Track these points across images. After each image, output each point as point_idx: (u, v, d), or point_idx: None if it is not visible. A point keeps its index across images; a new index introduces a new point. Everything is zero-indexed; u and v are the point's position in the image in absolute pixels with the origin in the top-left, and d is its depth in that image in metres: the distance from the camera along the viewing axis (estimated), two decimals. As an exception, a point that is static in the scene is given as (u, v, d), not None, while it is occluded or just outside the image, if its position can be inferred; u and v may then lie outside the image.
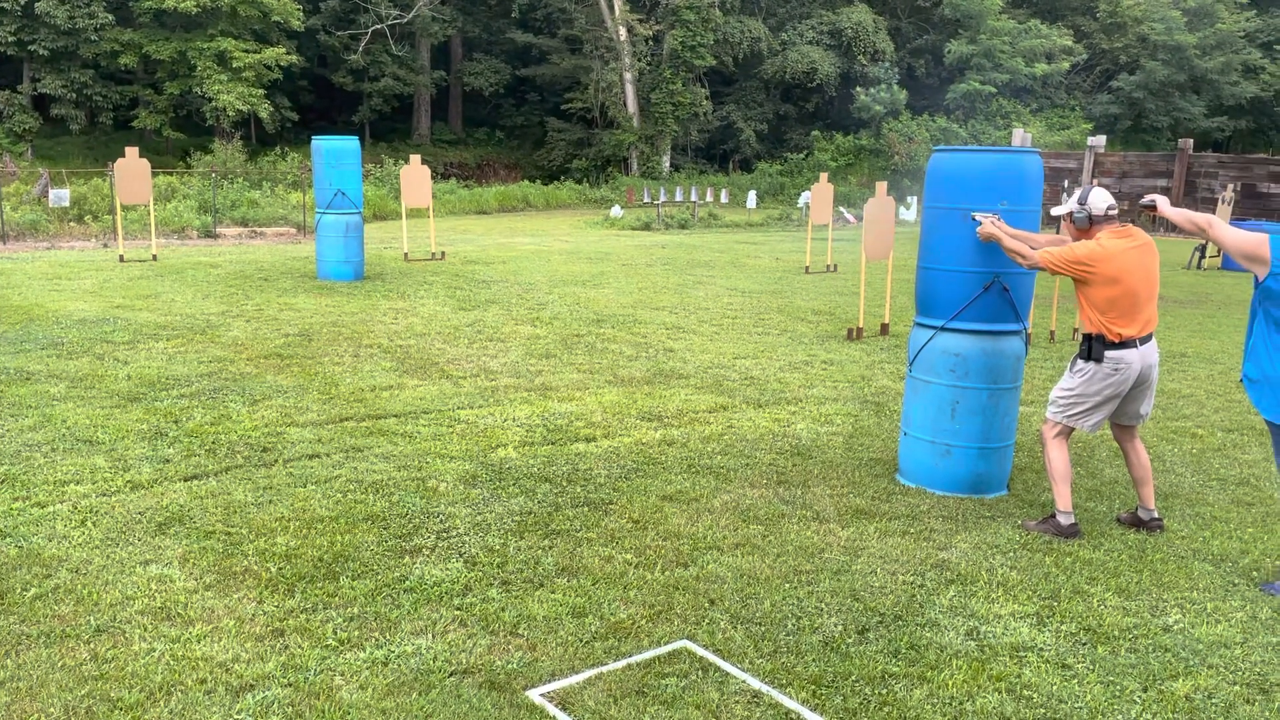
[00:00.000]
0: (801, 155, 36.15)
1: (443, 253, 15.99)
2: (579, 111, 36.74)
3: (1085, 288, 4.84)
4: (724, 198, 27.73)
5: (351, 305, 11.16)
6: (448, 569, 4.27)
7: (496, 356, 8.74)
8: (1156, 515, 5.09)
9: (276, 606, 3.90)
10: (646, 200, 25.97)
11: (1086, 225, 4.92)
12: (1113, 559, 4.68)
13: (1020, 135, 30.12)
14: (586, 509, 5.06)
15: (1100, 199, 4.90)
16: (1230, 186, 20.30)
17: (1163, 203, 4.88)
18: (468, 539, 4.61)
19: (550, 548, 4.55)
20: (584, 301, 12.03)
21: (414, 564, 4.32)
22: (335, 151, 13.05)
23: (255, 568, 4.25)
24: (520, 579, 4.21)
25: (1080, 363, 4.93)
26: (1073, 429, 4.99)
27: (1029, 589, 4.31)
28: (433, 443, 6.08)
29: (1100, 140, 28.82)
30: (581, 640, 3.71)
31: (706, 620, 3.90)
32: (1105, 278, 4.77)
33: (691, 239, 21.48)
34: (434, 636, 3.70)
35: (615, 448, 6.13)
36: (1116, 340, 4.80)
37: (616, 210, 25.14)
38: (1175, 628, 3.99)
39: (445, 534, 4.66)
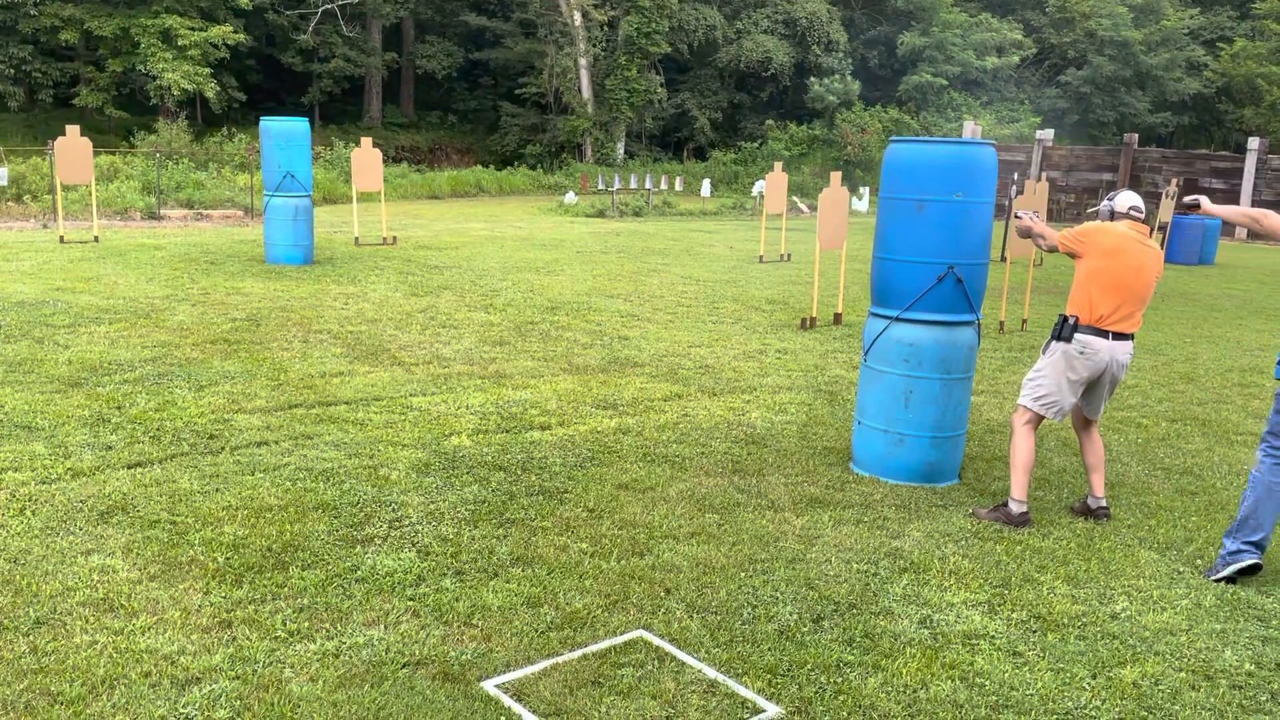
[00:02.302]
0: (755, 144, 36.23)
1: (394, 237, 15.79)
2: (533, 97, 36.45)
3: (1079, 262, 5.00)
4: (679, 185, 27.71)
5: (301, 290, 10.96)
6: (400, 559, 4.21)
7: (449, 343, 8.64)
8: (1104, 504, 5.18)
9: (224, 597, 3.82)
10: (601, 187, 25.87)
11: (1109, 218, 5.05)
12: (1062, 547, 4.75)
13: (971, 127, 30.49)
14: (541, 498, 5.02)
15: (1126, 198, 5.04)
16: (1174, 181, 20.72)
17: (1205, 201, 4.95)
18: (421, 528, 4.55)
19: (505, 537, 4.50)
20: (538, 288, 11.95)
21: (366, 554, 4.25)
22: (284, 133, 12.80)
23: (201, 558, 4.15)
24: (474, 569, 4.16)
25: (1051, 344, 5.01)
26: (1042, 417, 5.05)
27: (980, 577, 4.35)
28: (384, 430, 5.99)
29: (1048, 134, 29.26)
30: (537, 630, 3.67)
31: (662, 610, 3.89)
32: (1099, 249, 4.88)
33: (646, 227, 21.43)
34: (386, 627, 3.64)
35: (570, 436, 6.09)
36: (1088, 322, 4.86)
37: (571, 197, 25.01)
38: (1123, 615, 4.05)
39: (398, 523, 4.60)
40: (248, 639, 3.52)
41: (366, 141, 15.18)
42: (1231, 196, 25.43)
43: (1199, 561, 4.65)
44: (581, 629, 3.71)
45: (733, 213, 26.39)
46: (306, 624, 3.64)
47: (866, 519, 4.99)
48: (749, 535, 4.68)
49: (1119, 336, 4.92)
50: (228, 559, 4.13)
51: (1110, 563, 4.59)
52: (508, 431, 6.13)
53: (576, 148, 36.09)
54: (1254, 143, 25.53)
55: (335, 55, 35.49)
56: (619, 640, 3.64)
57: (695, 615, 3.86)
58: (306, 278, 11.83)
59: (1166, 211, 19.08)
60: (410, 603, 3.84)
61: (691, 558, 4.38)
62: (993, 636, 3.82)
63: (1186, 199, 5.06)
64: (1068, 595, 4.22)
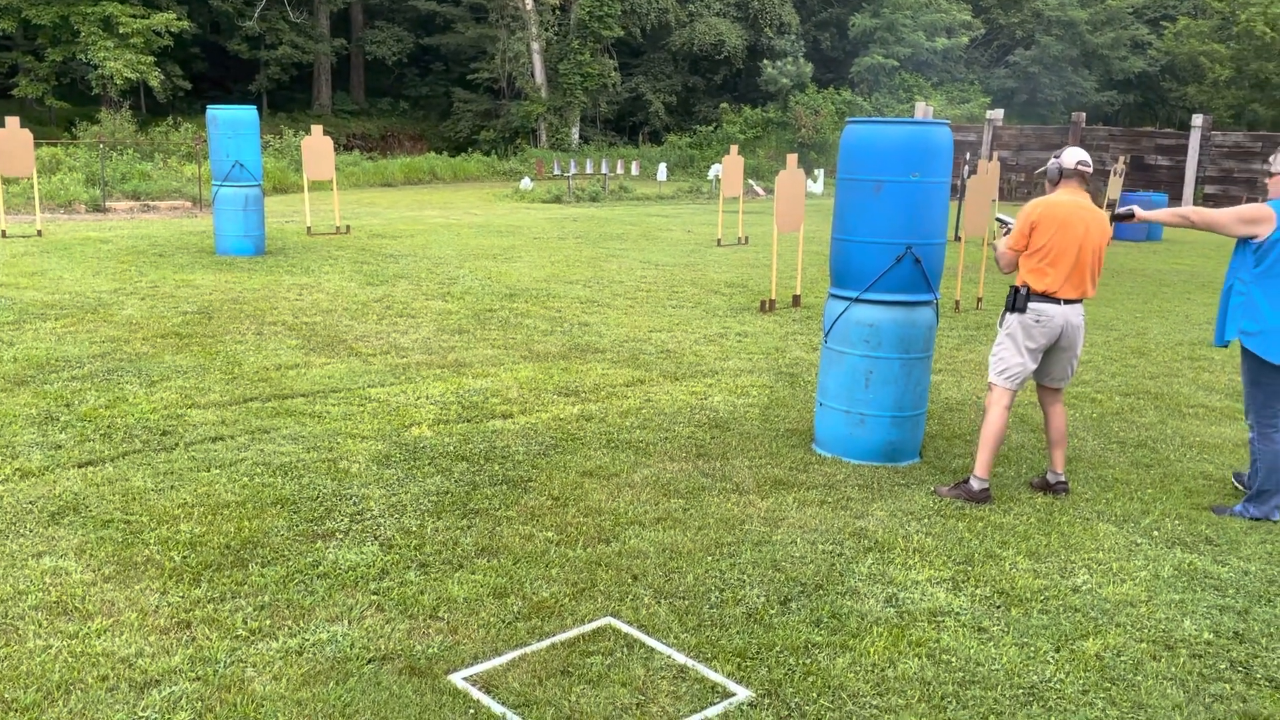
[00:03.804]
0: (710, 128, 36.23)
1: (347, 226, 15.58)
2: (486, 82, 36.11)
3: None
4: (635, 170, 27.62)
5: (253, 281, 10.77)
6: (363, 552, 4.15)
7: (407, 333, 8.54)
8: (1063, 479, 5.25)
9: (182, 597, 3.73)
10: (556, 172, 25.72)
11: (1057, 178, 5.08)
12: (1022, 523, 4.80)
13: (922, 108, 30.71)
14: (505, 487, 4.98)
15: (1073, 153, 5.06)
16: (1121, 159, 21.04)
17: (1139, 210, 5.21)
18: (383, 521, 4.49)
19: (469, 528, 4.46)
20: (496, 276, 11.85)
21: (327, 548, 4.18)
22: (232, 121, 12.55)
23: (158, 557, 4.06)
24: (439, 560, 4.11)
25: (1006, 316, 5.06)
26: (1014, 392, 5.09)
27: (944, 554, 4.39)
28: (343, 422, 5.91)
29: (998, 114, 29.55)
30: (504, 621, 3.64)
31: (630, 596, 3.87)
32: (1046, 231, 4.92)
33: (603, 212, 21.35)
34: (350, 623, 3.59)
35: (533, 424, 6.05)
36: (1040, 291, 4.92)
37: (526, 182, 24.83)
38: (1084, 588, 4.11)
39: (359, 516, 4.53)
40: (208, 639, 3.45)
41: (317, 129, 14.93)
42: (1177, 173, 25.89)
43: (1156, 533, 4.73)
44: (549, 618, 3.68)
45: (689, 196, 26.38)
46: (268, 622, 3.58)
47: (830, 500, 5.00)
48: (714, 519, 4.67)
49: (1070, 301, 4.98)
50: (185, 558, 4.04)
51: (1070, 537, 4.65)
52: (469, 421, 6.07)
53: (531, 133, 35.84)
54: (1197, 119, 25.98)
55: (282, 42, 34.86)
56: (587, 628, 3.62)
57: (663, 601, 3.85)
58: (258, 269, 11.63)
59: (1115, 189, 19.37)
60: (374, 597, 3.78)
61: (658, 543, 4.37)
62: (957, 613, 3.85)
63: (1120, 210, 5.28)
64: (1029, 570, 4.26)
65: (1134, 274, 14.17)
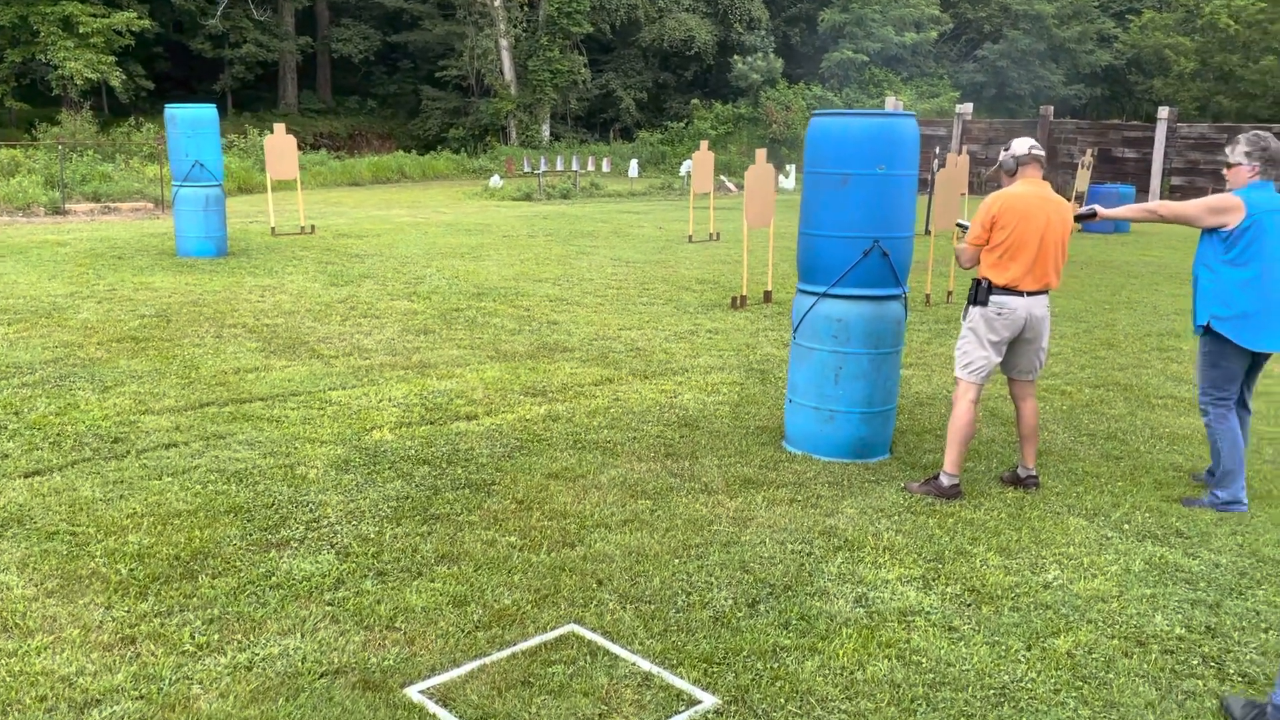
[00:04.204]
0: (682, 124, 36.12)
1: (312, 226, 15.36)
2: (454, 79, 35.84)
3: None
4: (606, 167, 27.49)
5: (214, 283, 10.57)
6: (318, 562, 4.02)
7: (371, 334, 8.39)
8: (1034, 473, 5.20)
9: (127, 611, 3.60)
10: (527, 170, 25.55)
11: (1014, 168, 5.01)
12: (993, 518, 4.74)
13: (892, 103, 30.79)
14: (468, 491, 4.86)
15: (1022, 142, 5.04)
16: (1089, 151, 21.15)
17: (1100, 209, 5.22)
18: (340, 528, 4.36)
19: (429, 534, 4.34)
20: (464, 275, 11.70)
21: (281, 558, 4.05)
22: (191, 120, 12.31)
23: (104, 570, 3.91)
24: (397, 569, 3.99)
25: (969, 310, 4.99)
26: (980, 386, 5.03)
27: (914, 552, 4.32)
28: (302, 427, 5.76)
29: (968, 108, 29.67)
30: (463, 631, 3.53)
31: (595, 602, 3.77)
32: (1008, 223, 4.84)
33: (574, 209, 21.22)
34: (303, 635, 3.46)
35: (498, 425, 5.93)
36: (1003, 284, 4.85)
37: (496, 180, 24.65)
38: (1055, 584, 4.05)
39: (315, 524, 4.40)
40: (152, 655, 3.31)
41: (280, 127, 14.70)
42: (1144, 165, 26.08)
43: (1126, 526, 4.68)
44: (510, 627, 3.57)
45: (661, 193, 26.29)
46: (216, 636, 3.44)
47: (800, 498, 4.93)
48: (682, 520, 4.58)
49: (1033, 293, 4.93)
50: (132, 570, 3.90)
51: (1040, 532, 4.60)
52: (432, 423, 5.94)
53: (501, 130, 35.61)
54: (1163, 112, 26.18)
55: (246, 40, 34.43)
56: (550, 636, 3.51)
57: (628, 606, 3.75)
58: (220, 270, 11.42)
59: (1083, 181, 19.47)
60: (328, 608, 3.66)
61: (624, 546, 4.27)
62: (928, 612, 3.78)
63: (1082, 210, 5.26)
64: (1000, 566, 4.20)
65: (1102, 266, 14.22)
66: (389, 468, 5.13)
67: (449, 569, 4.00)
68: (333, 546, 4.17)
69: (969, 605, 3.85)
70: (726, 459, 5.47)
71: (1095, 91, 38.05)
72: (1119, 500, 5.03)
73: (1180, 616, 3.80)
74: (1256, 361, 5.01)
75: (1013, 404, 5.32)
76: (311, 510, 4.55)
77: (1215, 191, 5.07)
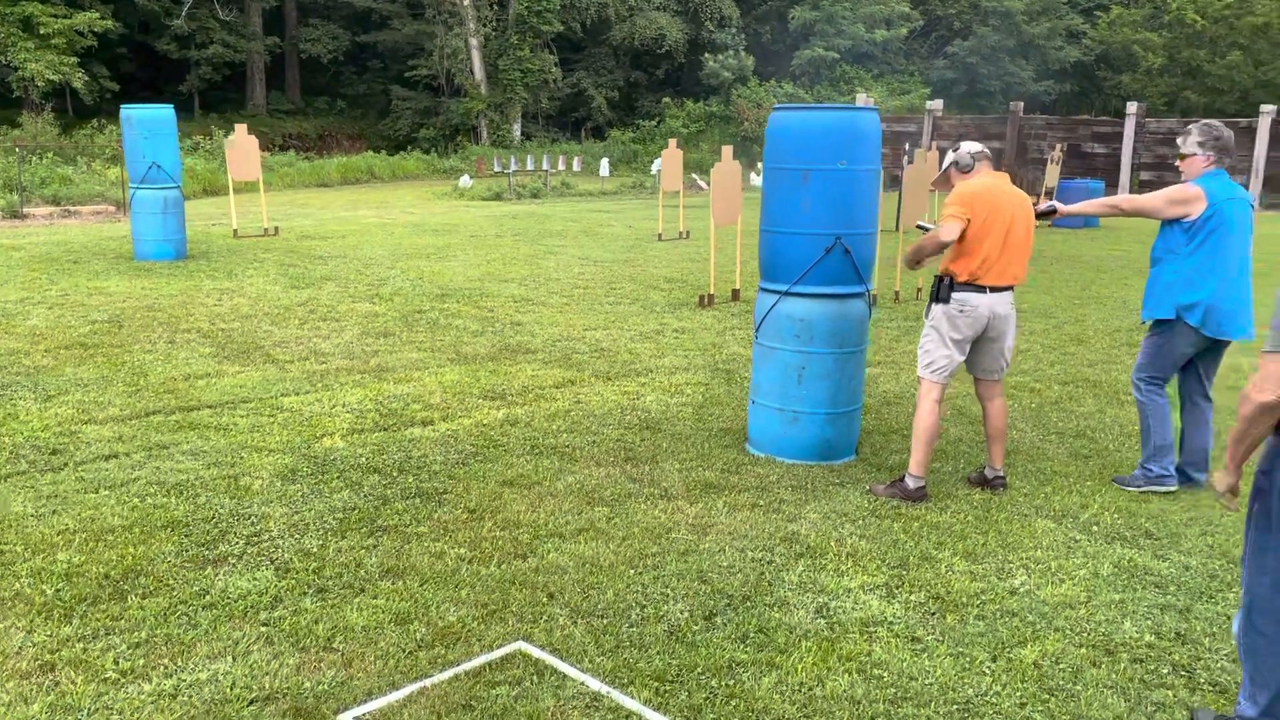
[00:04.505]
0: (654, 122, 36.02)
1: (275, 228, 15.10)
2: (424, 79, 35.59)
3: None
4: (577, 166, 27.32)
5: (171, 287, 10.32)
6: (256, 579, 3.84)
7: (329, 337, 8.19)
8: (1001, 474, 5.09)
9: (49, 636, 3.40)
10: (497, 169, 25.33)
11: (970, 165, 4.92)
12: (959, 521, 4.62)
13: (863, 100, 30.78)
14: (418, 500, 4.68)
15: (971, 144, 5.00)
16: (1058, 147, 21.19)
17: (1060, 206, 5.19)
18: (281, 542, 4.18)
19: (375, 547, 4.16)
20: (428, 276, 11.51)
21: (217, 575, 3.86)
22: (147, 120, 12.04)
23: (28, 591, 3.71)
24: (339, 585, 3.82)
25: (931, 307, 4.87)
26: (944, 386, 4.90)
27: (878, 558, 4.19)
28: (250, 435, 5.56)
29: (938, 104, 29.72)
30: (404, 651, 3.36)
31: (544, 617, 3.61)
32: (980, 213, 4.71)
33: (544, 208, 21.04)
34: (234, 659, 3.28)
35: (454, 431, 5.76)
36: (965, 279, 4.74)
37: (465, 180, 24.42)
38: (1021, 590, 3.93)
39: (256, 538, 4.21)
40: (72, 683, 3.13)
41: (241, 128, 14.45)
42: (1113, 160, 26.20)
43: (1095, 528, 4.58)
44: (455, 645, 3.41)
45: (632, 192, 26.16)
46: (142, 661, 3.26)
47: (762, 502, 4.79)
48: (640, 528, 4.43)
49: (996, 289, 4.80)
50: (58, 591, 3.71)
51: (1007, 535, 4.48)
52: (386, 429, 5.76)
53: (472, 130, 35.37)
54: (1132, 107, 26.32)
55: (213, 41, 34.01)
56: (496, 655, 3.35)
57: (580, 620, 3.60)
58: (178, 274, 11.16)
59: (1052, 176, 19.49)
60: (263, 628, 3.48)
61: (578, 557, 4.11)
62: (890, 622, 3.65)
63: (1042, 207, 5.20)
64: (966, 572, 4.08)
65: (1071, 260, 14.19)
66: (337, 477, 4.95)
67: (393, 584, 3.83)
68: (272, 562, 3.99)
69: (933, 614, 3.72)
70: (688, 463, 5.33)
71: (1064, 87, 38.24)
72: (1087, 501, 4.93)
73: (1149, 623, 3.69)
74: (1215, 351, 5.03)
75: (979, 404, 5.20)
76: (253, 524, 4.36)
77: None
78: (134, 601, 3.64)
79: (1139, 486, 5.11)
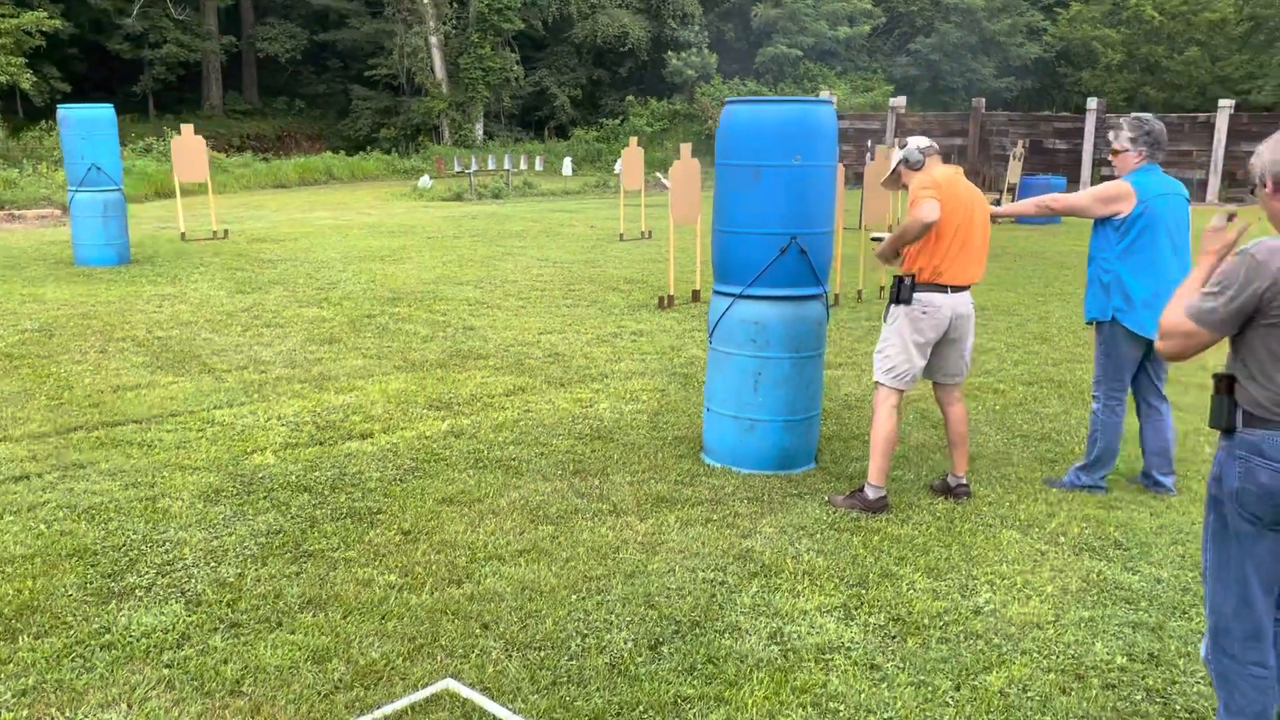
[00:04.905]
0: (617, 121, 35.70)
1: (225, 231, 14.67)
2: (384, 78, 35.02)
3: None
4: (539, 165, 26.98)
5: (110, 293, 9.92)
6: (163, 613, 3.54)
7: (271, 344, 7.85)
8: (964, 482, 4.88)
9: (-73, 685, 3.09)
10: (458, 169, 24.95)
11: (921, 160, 4.70)
12: (921, 534, 4.40)
13: (826, 97, 30.66)
14: (349, 521, 4.39)
15: (919, 139, 4.80)
16: (1020, 143, 21.16)
17: (992, 208, 5.00)
18: (196, 571, 3.88)
19: (297, 575, 3.87)
20: (380, 279, 11.17)
21: (120, 610, 3.56)
22: (86, 121, 11.60)
23: (-89, 633, 3.39)
24: (254, 619, 3.52)
25: (891, 309, 4.65)
26: (903, 392, 4.68)
27: (836, 576, 3.96)
28: (175, 452, 5.24)
29: (901, 101, 29.68)
30: (319, 693, 3.08)
31: (477, 650, 3.35)
32: (947, 202, 4.48)
33: (505, 209, 20.71)
34: (129, 707, 2.99)
35: (394, 444, 5.46)
36: (926, 279, 4.52)
37: (425, 180, 24.02)
38: (986, 609, 3.71)
39: (168, 567, 3.91)
40: (-56, 741, 2.82)
41: (188, 129, 14.01)
42: (1074, 156, 26.27)
43: (1062, 539, 4.37)
44: (376, 685, 3.13)
45: (596, 191, 25.88)
46: (26, 712, 2.95)
47: (716, 517, 4.54)
48: (585, 548, 4.17)
49: (957, 289, 4.59)
50: (-57, 632, 3.39)
51: (971, 548, 4.27)
52: (322, 443, 5.46)
53: (433, 130, 34.90)
54: (1093, 103, 26.40)
55: (166, 40, 33.31)
56: (421, 695, 3.08)
57: (515, 653, 3.33)
58: (119, 279, 10.75)
59: (1014, 173, 19.45)
60: (165, 671, 3.18)
61: (517, 581, 3.84)
62: (848, 648, 3.41)
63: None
64: (928, 590, 3.85)
65: (1035, 257, 14.09)
66: (264, 497, 4.64)
67: (314, 617, 3.54)
68: (183, 594, 3.69)
69: (893, 638, 3.49)
70: (639, 475, 5.08)
71: (1026, 84, 38.39)
72: (1054, 509, 4.73)
73: (1121, 643, 3.48)
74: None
75: (940, 408, 4.98)
76: (167, 551, 4.05)
77: None
78: (25, 642, 3.33)
79: (1065, 488, 4.99)
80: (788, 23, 35.56)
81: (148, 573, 3.85)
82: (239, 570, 3.88)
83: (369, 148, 33.66)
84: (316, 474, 4.96)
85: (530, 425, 5.88)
